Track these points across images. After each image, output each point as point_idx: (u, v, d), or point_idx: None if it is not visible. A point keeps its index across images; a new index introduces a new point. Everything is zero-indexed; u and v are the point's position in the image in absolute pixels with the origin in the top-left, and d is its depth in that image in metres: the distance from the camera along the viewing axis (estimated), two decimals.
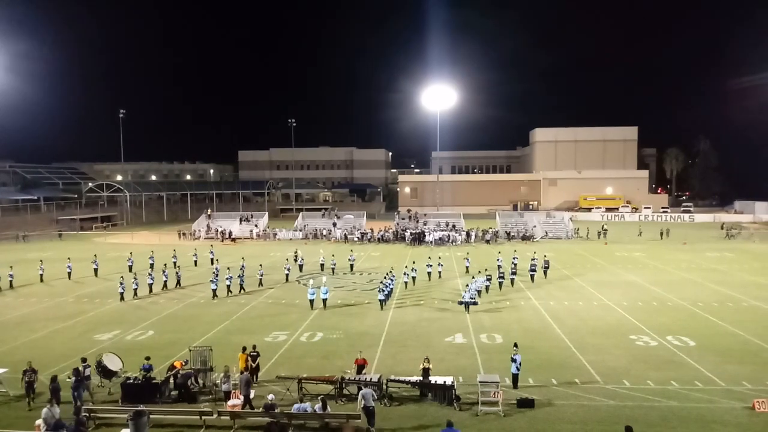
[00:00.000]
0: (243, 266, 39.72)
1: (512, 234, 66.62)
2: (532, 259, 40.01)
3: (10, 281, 38.31)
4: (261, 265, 41.42)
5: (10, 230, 70.27)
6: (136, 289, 34.59)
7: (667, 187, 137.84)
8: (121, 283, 33.79)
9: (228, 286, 35.10)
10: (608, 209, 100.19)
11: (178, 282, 38.00)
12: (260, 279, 38.23)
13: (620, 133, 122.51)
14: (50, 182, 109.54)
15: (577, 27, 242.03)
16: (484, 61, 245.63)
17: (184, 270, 41.71)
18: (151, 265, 42.91)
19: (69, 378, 18.19)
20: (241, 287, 35.67)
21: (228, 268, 37.96)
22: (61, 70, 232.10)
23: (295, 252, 47.32)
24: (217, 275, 36.52)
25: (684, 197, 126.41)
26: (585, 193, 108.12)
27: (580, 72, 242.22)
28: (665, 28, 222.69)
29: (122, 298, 33.43)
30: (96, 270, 42.22)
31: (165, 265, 43.07)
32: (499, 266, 40.22)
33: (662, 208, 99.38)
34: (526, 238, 65.09)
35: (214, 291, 34.27)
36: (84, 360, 19.30)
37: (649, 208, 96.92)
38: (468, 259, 44.05)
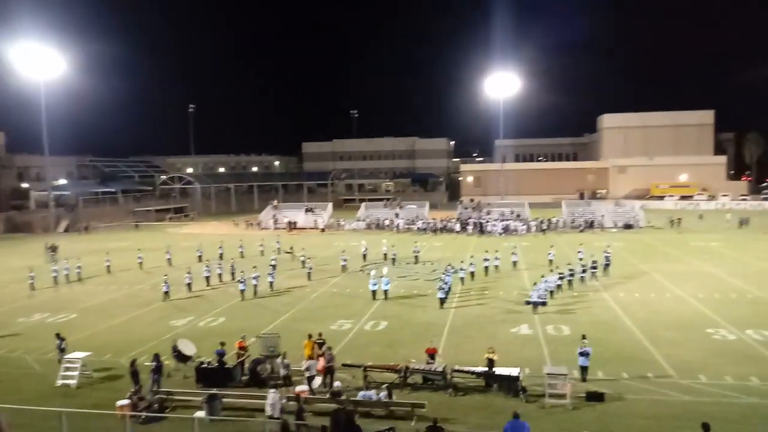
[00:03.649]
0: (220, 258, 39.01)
1: (617, 223, 63.74)
2: (597, 255, 37.56)
3: (67, 274, 38.56)
4: (303, 258, 40.26)
5: (92, 221, 74.60)
6: (189, 284, 33.86)
7: (747, 173, 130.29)
8: (166, 282, 32.71)
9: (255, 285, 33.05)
10: (682, 197, 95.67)
11: (233, 275, 36.91)
12: (309, 273, 37.23)
13: (695, 118, 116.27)
14: (127, 175, 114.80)
15: (648, 8, 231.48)
16: (549, 45, 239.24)
17: (252, 259, 42.90)
18: (221, 255, 44.49)
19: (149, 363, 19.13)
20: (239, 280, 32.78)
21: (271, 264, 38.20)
22: (136, 68, 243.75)
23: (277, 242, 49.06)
24: (274, 267, 36.87)
25: (765, 184, 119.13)
26: (657, 181, 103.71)
27: (652, 55, 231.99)
28: (741, 8, 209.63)
29: (166, 297, 32.17)
30: (169, 260, 44.05)
31: (220, 256, 43.86)
32: (551, 261, 38.22)
33: (741, 195, 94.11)
34: (628, 226, 62.25)
35: (242, 291, 32.00)
36: None
37: (727, 195, 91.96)
38: (498, 258, 38.96)
